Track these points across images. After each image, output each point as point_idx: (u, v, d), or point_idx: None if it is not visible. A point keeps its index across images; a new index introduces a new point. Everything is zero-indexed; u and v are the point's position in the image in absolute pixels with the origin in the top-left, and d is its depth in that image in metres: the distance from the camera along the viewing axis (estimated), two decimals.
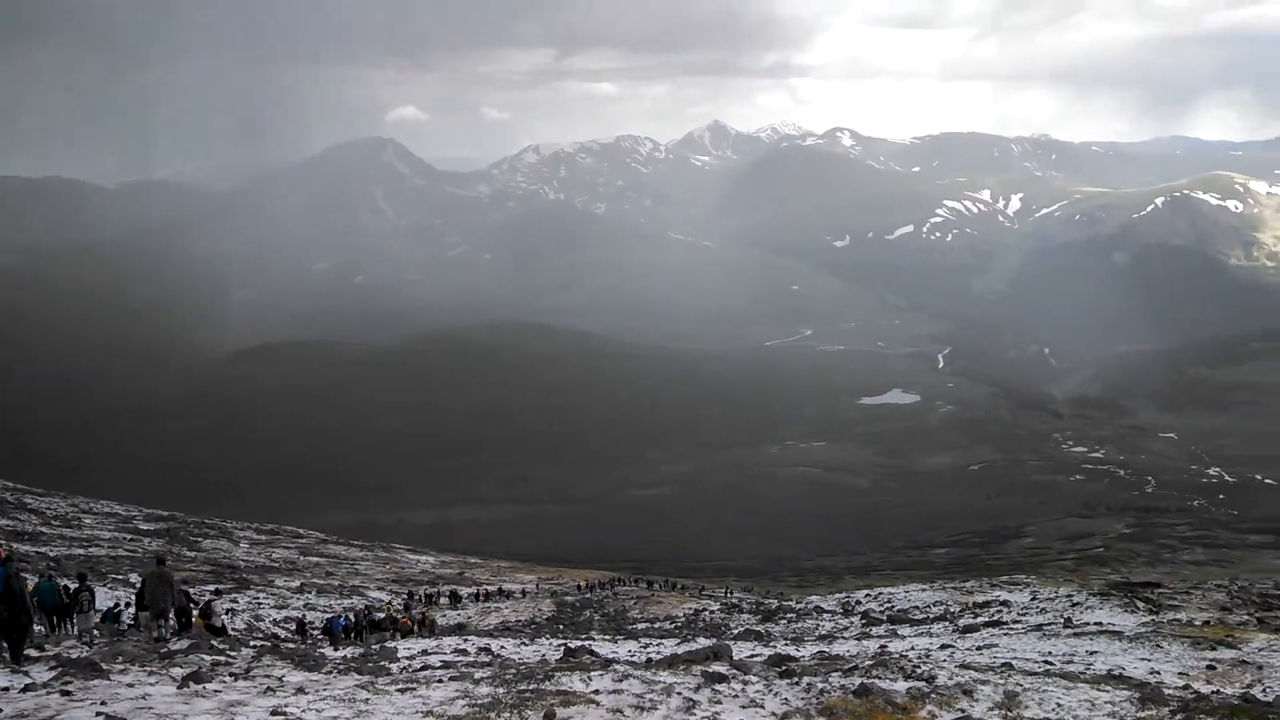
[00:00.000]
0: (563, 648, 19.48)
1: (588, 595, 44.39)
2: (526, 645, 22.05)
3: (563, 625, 33.99)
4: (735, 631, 28.08)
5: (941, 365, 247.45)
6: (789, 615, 32.35)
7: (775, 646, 20.16)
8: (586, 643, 21.72)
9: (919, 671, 12.93)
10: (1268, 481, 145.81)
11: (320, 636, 25.36)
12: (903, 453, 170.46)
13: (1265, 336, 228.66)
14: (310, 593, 37.55)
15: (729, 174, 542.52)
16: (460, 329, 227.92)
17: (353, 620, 27.02)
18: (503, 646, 21.42)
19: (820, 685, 11.83)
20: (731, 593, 48.76)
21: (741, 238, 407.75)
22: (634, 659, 17.69)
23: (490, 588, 47.06)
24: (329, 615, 28.46)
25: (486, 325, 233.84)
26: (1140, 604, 25.32)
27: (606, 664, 13.90)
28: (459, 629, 30.03)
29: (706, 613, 36.51)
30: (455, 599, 41.63)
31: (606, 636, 26.17)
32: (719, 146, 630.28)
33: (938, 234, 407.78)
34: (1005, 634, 21.49)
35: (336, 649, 20.76)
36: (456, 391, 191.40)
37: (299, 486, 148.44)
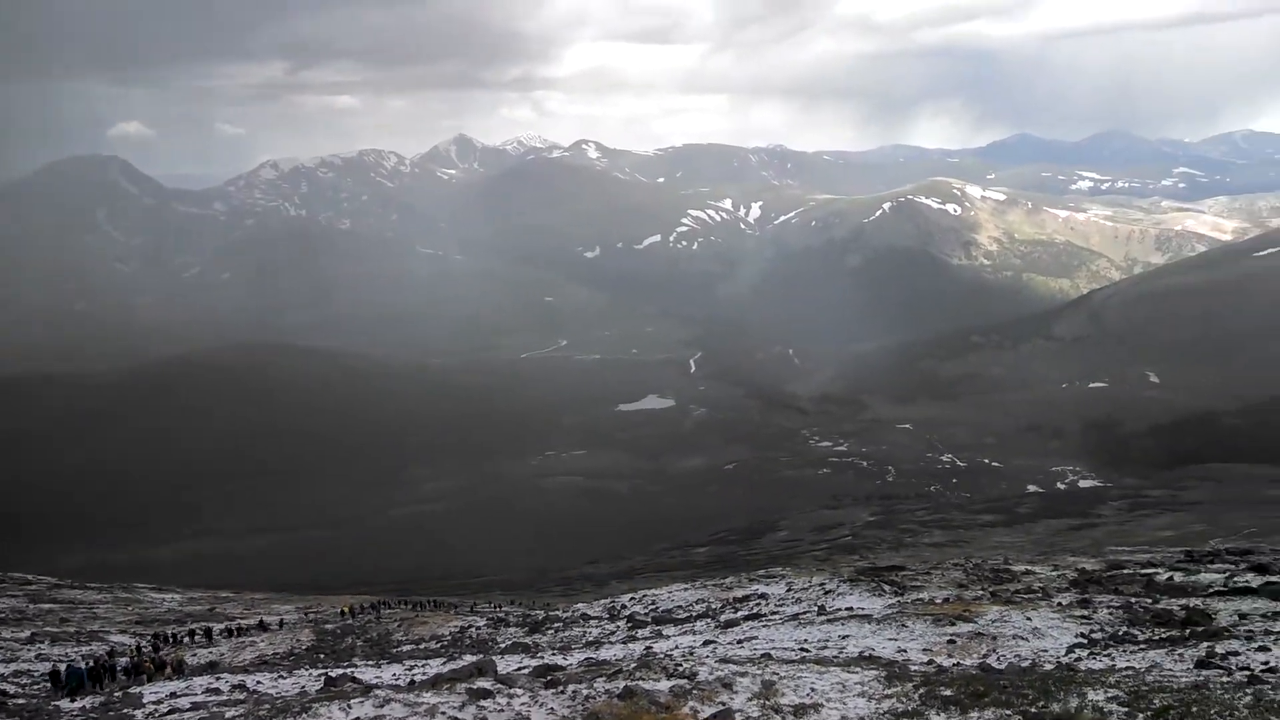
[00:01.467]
0: (323, 677, 18.69)
1: (349, 621, 42.87)
2: (285, 678, 21.02)
3: (324, 654, 32.64)
4: (502, 646, 27.70)
5: (693, 370, 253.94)
6: (556, 625, 32.21)
7: (543, 657, 19.96)
8: (349, 670, 20.93)
9: (681, 670, 13.02)
10: (994, 465, 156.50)
11: (51, 690, 23.36)
12: (661, 456, 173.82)
13: (985, 330, 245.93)
14: (43, 642, 34.62)
15: (476, 187, 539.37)
16: (199, 353, 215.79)
17: (91, 665, 25.01)
18: (259, 682, 20.34)
19: (586, 692, 11.72)
20: (499, 606, 48.21)
21: (491, 250, 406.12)
22: (398, 682, 17.16)
23: (245, 621, 44.77)
24: (65, 664, 26.28)
25: (229, 348, 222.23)
26: (887, 587, 26.50)
27: (368, 690, 13.41)
28: (211, 667, 28.33)
29: (473, 629, 35.90)
30: (208, 636, 39.35)
31: (370, 662, 25.30)
32: (465, 159, 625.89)
33: (684, 242, 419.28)
34: (764, 626, 22.04)
35: (75, 700, 19.21)
36: (199, 418, 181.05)
37: (24, 531, 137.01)
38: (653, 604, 32.13)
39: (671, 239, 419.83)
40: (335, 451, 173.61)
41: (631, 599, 34.83)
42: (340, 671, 20.16)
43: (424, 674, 18.21)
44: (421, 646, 33.10)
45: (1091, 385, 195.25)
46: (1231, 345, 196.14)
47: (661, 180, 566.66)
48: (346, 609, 48.15)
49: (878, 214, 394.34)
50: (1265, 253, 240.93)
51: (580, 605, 39.08)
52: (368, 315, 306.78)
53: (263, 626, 42.24)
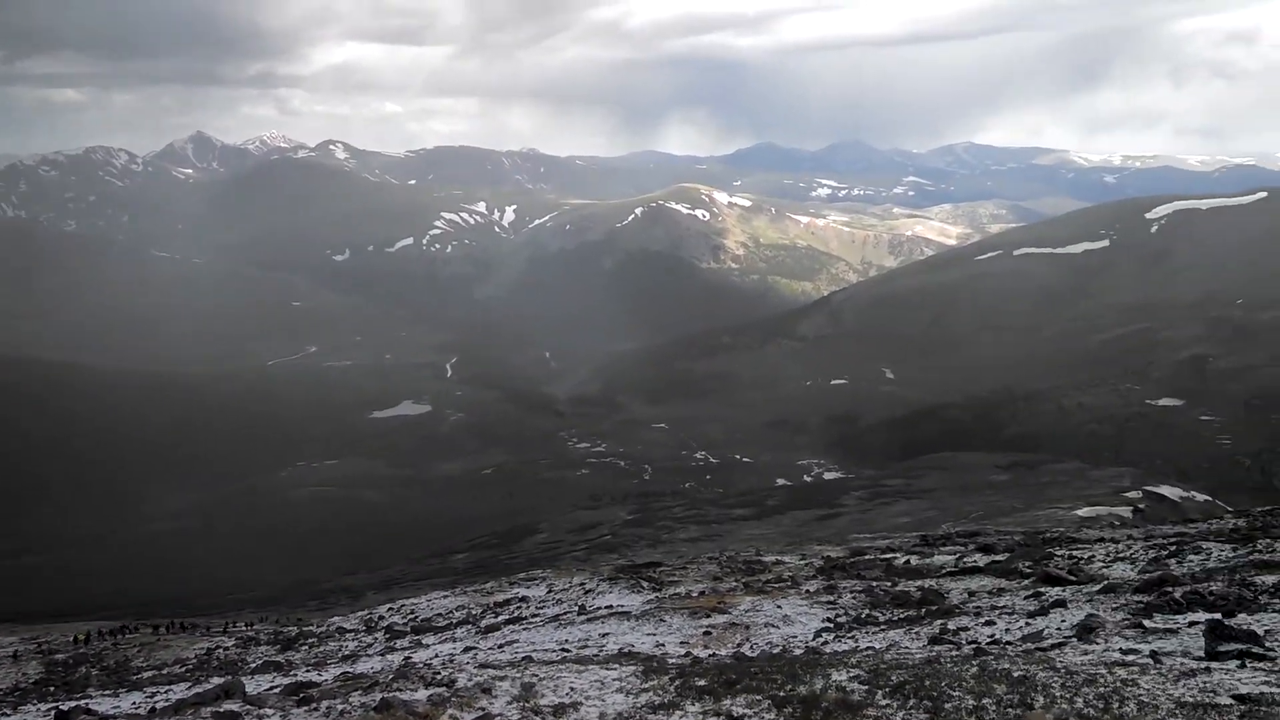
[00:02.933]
0: (53, 712, 17.36)
1: (83, 649, 40.06)
2: (8, 716, 19.38)
3: (54, 687, 30.33)
4: (253, 665, 26.52)
5: (450, 374, 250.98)
6: (310, 640, 31.09)
7: (296, 675, 19.20)
8: (83, 702, 19.50)
9: (439, 678, 12.81)
10: (745, 460, 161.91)
11: None
12: (417, 462, 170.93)
13: (734, 331, 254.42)
14: None
15: (216, 187, 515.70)
16: None
17: None
18: None
19: (340, 707, 11.36)
20: (249, 625, 46.13)
21: (234, 253, 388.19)
22: (138, 711, 16.16)
23: None
24: None
25: None
26: (645, 583, 26.93)
27: None
28: None
29: (220, 650, 34.21)
30: None
31: (107, 691, 23.66)
32: (204, 159, 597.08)
33: (438, 245, 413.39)
34: (525, 629, 21.99)
35: None
36: None
37: None
38: (412, 613, 31.52)
39: (425, 242, 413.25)
40: (66, 469, 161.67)
41: (389, 609, 34.06)
42: (73, 704, 18.78)
43: (166, 700, 17.24)
44: (164, 672, 31.28)
45: (833, 382, 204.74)
46: (957, 342, 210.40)
47: (413, 182, 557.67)
48: (81, 636, 45.02)
49: (630, 219, 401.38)
50: (986, 256, 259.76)
51: (336, 619, 37.92)
52: (98, 323, 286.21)
53: None
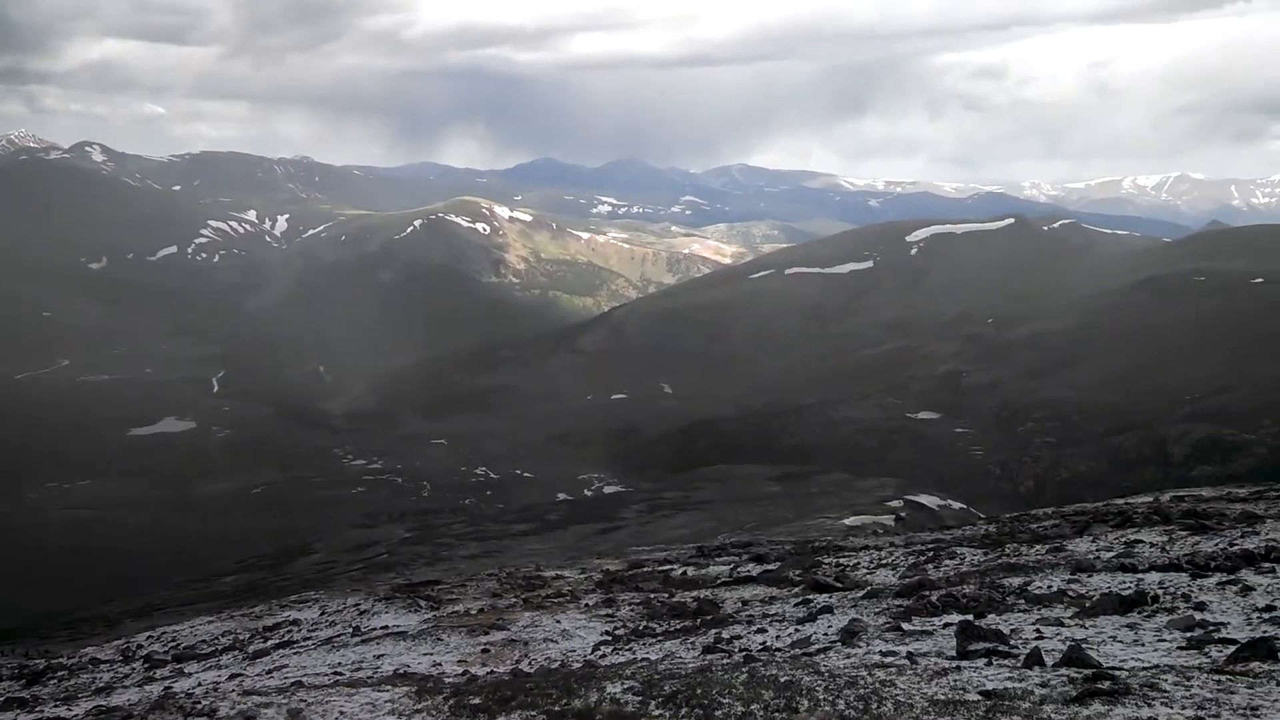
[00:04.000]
0: None
1: None
2: None
3: None
4: None
5: (217, 389, 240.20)
6: (60, 673, 29.08)
7: (43, 711, 17.97)
8: None
9: (200, 707, 12.27)
10: (526, 475, 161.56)
11: None
12: (181, 483, 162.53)
13: (513, 345, 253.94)
14: None
15: None
16: None
17: None
18: None
19: None
20: None
21: None
22: None
23: None
24: None
25: None
26: (423, 602, 26.50)
27: None
28: None
29: None
30: None
31: None
32: None
33: (204, 254, 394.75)
34: (295, 653, 21.26)
35: None
36: None
37: None
38: (173, 640, 29.94)
39: (190, 251, 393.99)
40: None
41: (149, 637, 32.23)
42: None
43: None
44: None
45: (614, 396, 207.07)
46: (732, 356, 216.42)
47: (178, 188, 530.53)
48: None
49: (409, 230, 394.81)
50: (759, 275, 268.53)
51: (89, 649, 35.59)
52: None
53: None
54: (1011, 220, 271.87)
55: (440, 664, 17.47)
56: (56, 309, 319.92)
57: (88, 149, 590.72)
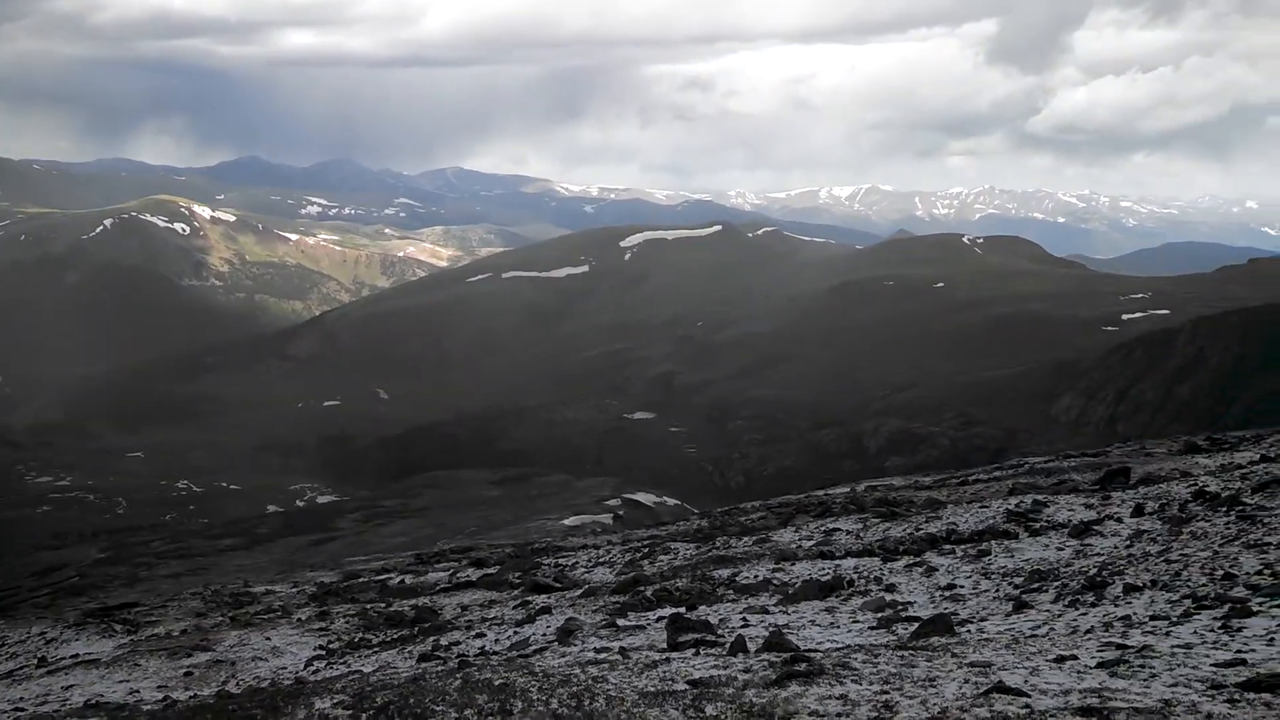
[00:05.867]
0: None
1: None
2: None
3: None
4: None
5: None
6: None
7: None
8: None
9: None
10: (233, 487, 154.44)
11: None
12: None
13: (219, 351, 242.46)
14: None
15: None
16: None
17: None
18: None
19: None
20: None
21: None
22: None
23: None
24: None
25: None
26: (118, 626, 24.88)
27: None
28: None
29: None
30: None
31: None
32: None
33: None
34: None
35: None
36: None
37: None
38: None
39: None
40: None
41: None
42: None
43: None
44: None
45: (327, 403, 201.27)
46: (450, 361, 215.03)
47: None
48: None
49: (99, 230, 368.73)
50: (477, 278, 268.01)
51: None
52: None
53: None
54: (719, 227, 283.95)
55: (138, 691, 16.47)
56: None
57: None
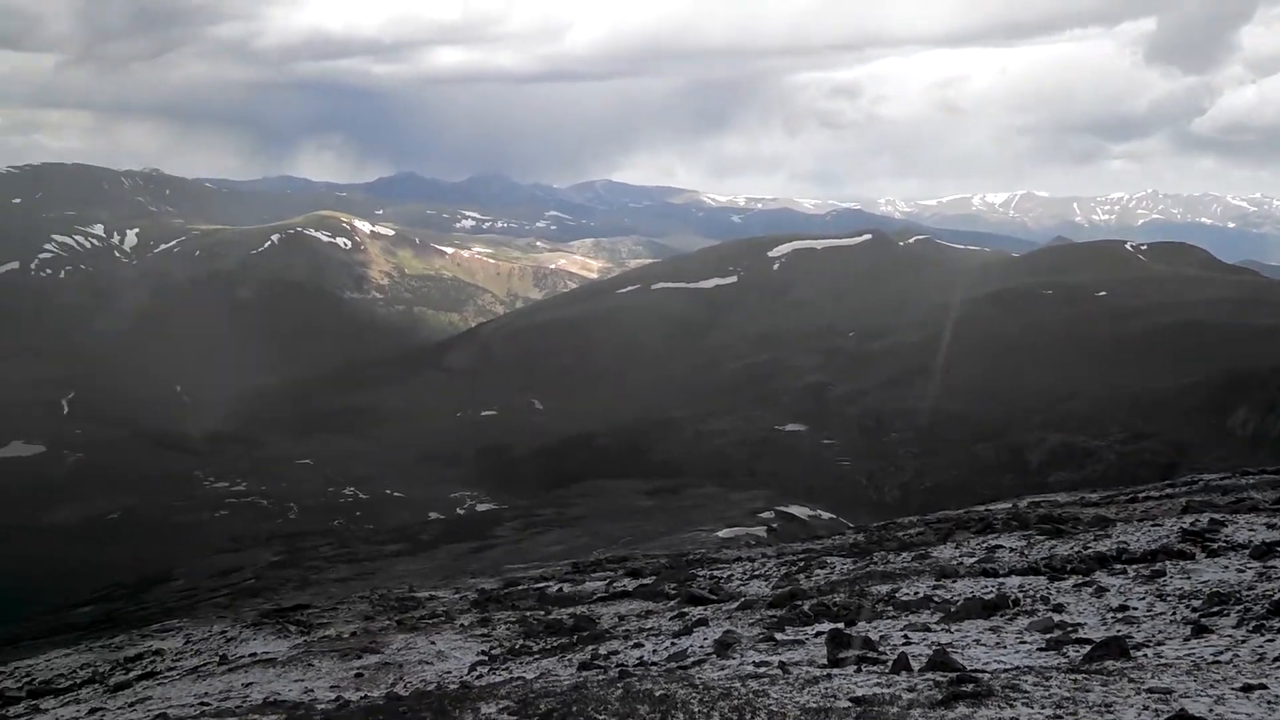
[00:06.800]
0: None
1: None
2: None
3: None
4: None
5: (67, 411, 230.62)
6: None
7: None
8: None
9: None
10: (397, 494, 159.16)
11: None
12: (31, 509, 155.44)
13: (380, 363, 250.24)
14: None
15: None
16: None
17: None
18: None
19: None
20: None
21: None
22: None
23: None
24: None
25: None
26: (292, 627, 25.95)
27: None
28: None
29: None
30: None
31: None
32: None
33: (48, 271, 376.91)
34: (160, 684, 20.63)
35: None
36: None
37: None
38: (28, 675, 28.68)
39: (33, 267, 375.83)
40: None
41: (1, 673, 30.84)
42: None
43: None
44: None
45: (483, 413, 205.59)
46: (601, 371, 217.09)
47: (18, 201, 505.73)
48: None
49: (267, 245, 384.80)
50: (626, 290, 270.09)
51: None
52: None
53: None
54: (869, 236, 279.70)
55: (312, 690, 17.15)
56: None
57: None
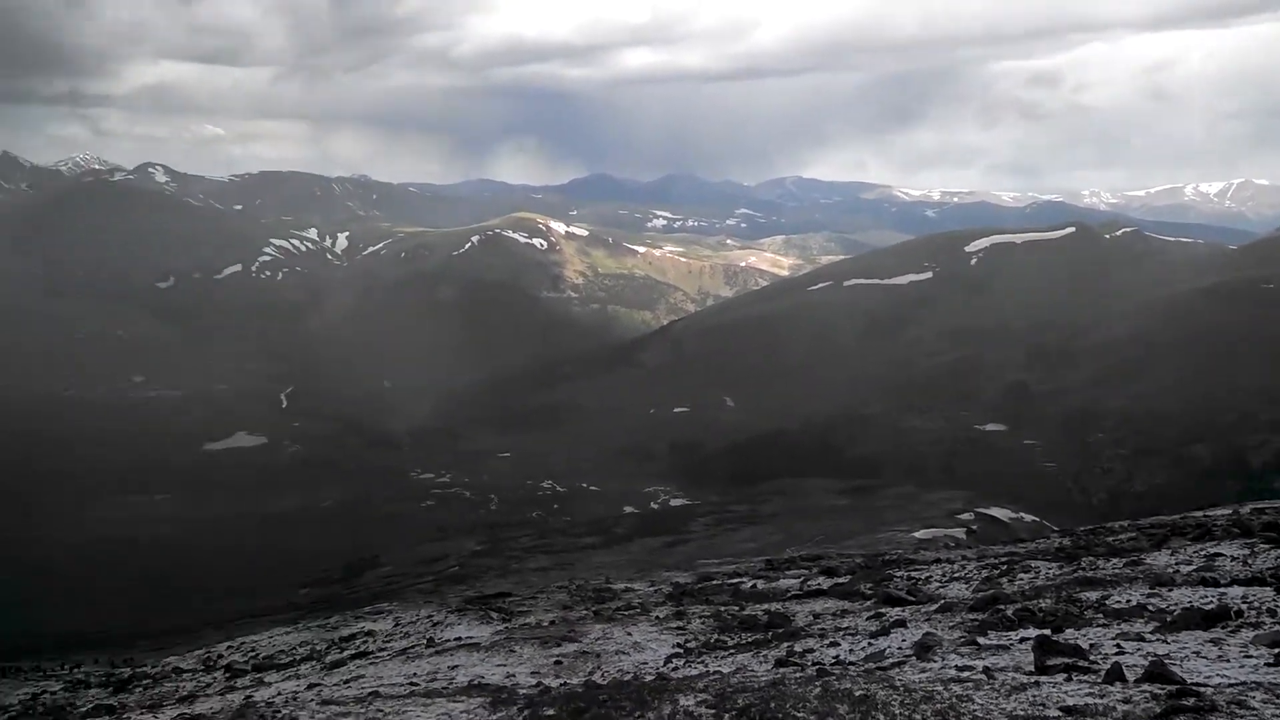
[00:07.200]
0: None
1: None
2: None
3: None
4: (83, 710, 25.22)
5: (285, 405, 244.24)
6: (145, 681, 29.74)
7: (130, 718, 18.52)
8: None
9: (280, 715, 12.60)
10: (592, 488, 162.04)
11: None
12: (253, 497, 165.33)
13: (574, 360, 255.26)
14: None
15: (26, 210, 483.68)
16: None
17: None
18: None
19: None
20: (78, 667, 43.68)
21: (49, 281, 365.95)
22: None
23: None
24: None
25: None
26: (494, 614, 26.76)
27: None
28: None
29: (46, 695, 32.35)
30: None
31: None
32: (11, 179, 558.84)
33: (268, 272, 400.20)
34: (371, 663, 21.58)
35: None
36: None
37: None
38: (252, 650, 30.51)
39: (254, 269, 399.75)
40: None
41: (229, 647, 32.85)
42: None
43: None
44: None
45: (676, 410, 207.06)
46: (792, 369, 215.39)
47: (239, 208, 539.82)
48: None
49: (467, 247, 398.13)
50: (818, 286, 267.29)
51: (172, 658, 36.36)
52: None
53: None
54: (1072, 229, 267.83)
55: (514, 675, 17.64)
56: (128, 327, 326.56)
57: (151, 170, 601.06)
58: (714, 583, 29.16)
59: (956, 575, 22.61)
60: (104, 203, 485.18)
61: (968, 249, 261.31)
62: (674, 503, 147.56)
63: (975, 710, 9.45)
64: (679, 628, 20.68)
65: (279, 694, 19.05)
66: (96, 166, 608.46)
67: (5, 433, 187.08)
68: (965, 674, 11.73)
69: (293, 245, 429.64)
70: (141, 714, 18.95)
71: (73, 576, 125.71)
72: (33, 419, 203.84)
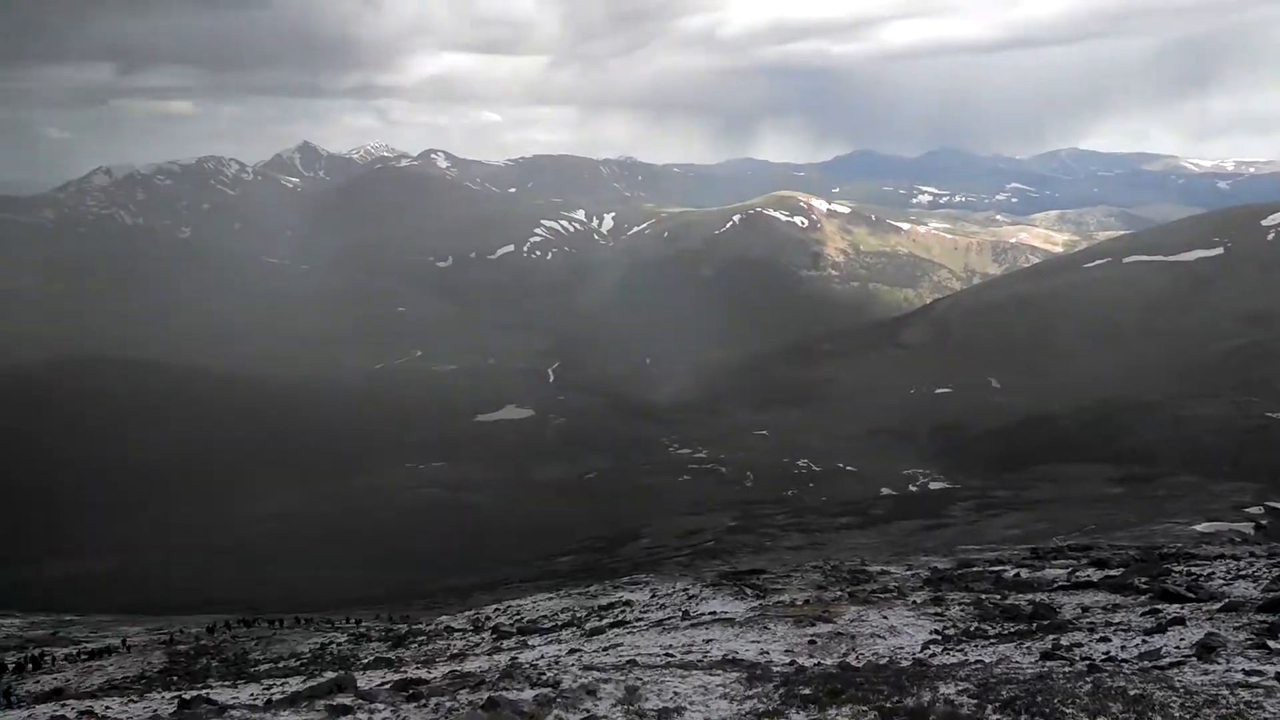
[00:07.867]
0: (177, 700, 18.01)
1: (204, 642, 41.36)
2: (135, 702, 20.13)
3: (177, 676, 31.44)
4: (364, 661, 27.16)
5: (552, 379, 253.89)
6: (420, 638, 31.70)
7: (405, 671, 19.68)
8: (204, 692, 20.21)
9: (545, 678, 13.02)
10: (849, 468, 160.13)
11: None
12: (521, 466, 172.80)
13: (834, 338, 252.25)
14: None
15: (322, 196, 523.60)
16: (25, 368, 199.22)
17: None
18: (108, 708, 19.40)
19: (449, 704, 11.63)
20: (359, 622, 47.09)
21: (340, 260, 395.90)
22: (255, 702, 16.63)
23: (91, 645, 42.72)
24: None
25: (52, 363, 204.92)
26: (749, 590, 26.91)
27: (223, 711, 12.99)
28: (56, 694, 26.95)
29: (334, 645, 35.01)
30: (39, 662, 37.35)
31: (226, 682, 24.47)
32: (310, 168, 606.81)
33: (538, 253, 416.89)
34: (629, 632, 22.14)
35: None
36: (25, 440, 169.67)
37: None
38: (518, 614, 31.97)
39: (525, 249, 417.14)
40: (177, 470, 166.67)
41: (496, 610, 34.57)
42: (195, 693, 19.49)
43: (282, 693, 17.74)
44: (280, 665, 32.20)
45: (938, 391, 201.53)
46: (1063, 350, 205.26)
47: (513, 191, 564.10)
48: (209, 628, 46.53)
49: (728, 226, 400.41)
50: (1094, 264, 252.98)
51: (444, 618, 38.61)
52: (211, 328, 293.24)
53: (109, 650, 40.40)
54: None
55: (767, 652, 17.68)
56: (409, 304, 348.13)
57: (433, 156, 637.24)
58: (974, 569, 28.26)
59: (1243, 572, 20.99)
60: (392, 187, 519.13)
61: (1265, 223, 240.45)
62: (933, 486, 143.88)
63: (1266, 718, 8.76)
64: (937, 614, 20.18)
65: (542, 657, 19.85)
66: (385, 154, 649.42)
67: (323, 405, 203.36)
68: (1254, 679, 10.88)
69: (562, 226, 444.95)
70: (417, 669, 20.15)
71: (351, 539, 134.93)
72: (342, 391, 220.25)
